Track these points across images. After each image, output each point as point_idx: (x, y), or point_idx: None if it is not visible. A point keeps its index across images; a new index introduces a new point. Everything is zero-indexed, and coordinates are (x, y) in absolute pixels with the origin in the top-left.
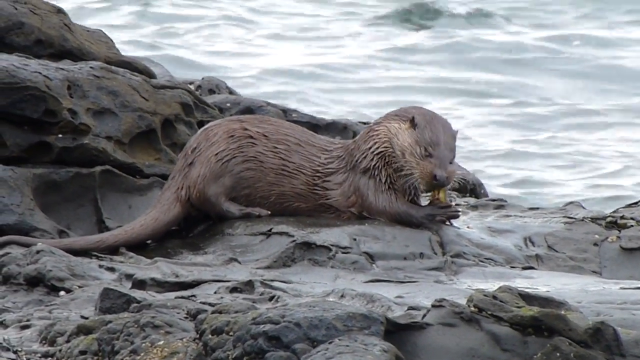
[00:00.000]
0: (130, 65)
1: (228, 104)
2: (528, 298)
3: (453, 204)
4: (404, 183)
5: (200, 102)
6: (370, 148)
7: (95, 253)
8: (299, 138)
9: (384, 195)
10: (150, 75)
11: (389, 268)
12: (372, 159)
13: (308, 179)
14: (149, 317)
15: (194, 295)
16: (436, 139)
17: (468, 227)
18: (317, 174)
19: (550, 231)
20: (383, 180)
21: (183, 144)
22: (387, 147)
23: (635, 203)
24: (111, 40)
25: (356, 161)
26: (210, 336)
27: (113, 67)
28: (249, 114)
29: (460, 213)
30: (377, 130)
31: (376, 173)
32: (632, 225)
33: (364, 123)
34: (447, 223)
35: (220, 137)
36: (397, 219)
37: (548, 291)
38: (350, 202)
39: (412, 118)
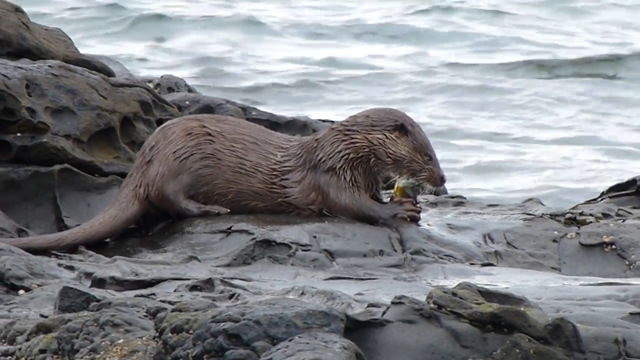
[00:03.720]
0: (89, 63)
1: (187, 102)
2: (487, 294)
3: (416, 202)
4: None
5: (159, 100)
6: (340, 152)
7: (54, 252)
8: (255, 137)
9: (346, 192)
10: (109, 73)
11: (348, 265)
12: (340, 161)
13: (265, 178)
14: (109, 316)
15: (153, 294)
16: (428, 141)
17: (428, 224)
18: (275, 172)
19: (509, 228)
20: (347, 179)
21: (142, 142)
22: (363, 156)
23: (594, 199)
24: (69, 39)
25: (319, 160)
26: (170, 334)
27: (71, 66)
28: (208, 112)
29: (421, 211)
30: (353, 138)
31: (340, 173)
32: (591, 222)
33: (323, 121)
34: (409, 221)
35: (178, 135)
36: (359, 216)
37: (507, 288)
38: (310, 199)
39: (402, 125)
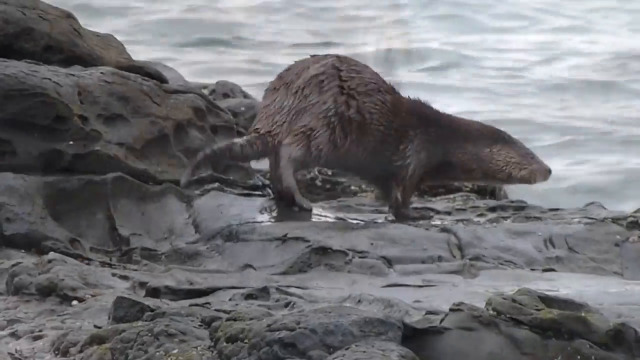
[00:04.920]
0: (142, 70)
1: (242, 108)
2: (547, 300)
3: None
4: None
5: (213, 107)
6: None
7: (110, 262)
8: None
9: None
10: (162, 80)
11: (407, 272)
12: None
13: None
14: (163, 326)
15: (208, 303)
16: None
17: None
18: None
19: (570, 232)
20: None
21: (196, 150)
22: None
23: None
24: (122, 45)
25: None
26: (225, 344)
27: (124, 72)
28: None
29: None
30: None
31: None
32: None
33: None
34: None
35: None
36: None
37: (568, 293)
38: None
39: (503, 137)
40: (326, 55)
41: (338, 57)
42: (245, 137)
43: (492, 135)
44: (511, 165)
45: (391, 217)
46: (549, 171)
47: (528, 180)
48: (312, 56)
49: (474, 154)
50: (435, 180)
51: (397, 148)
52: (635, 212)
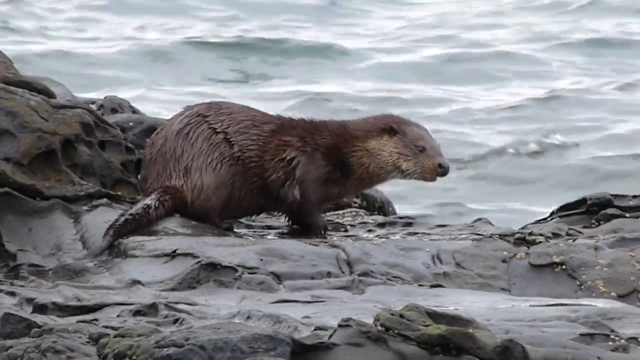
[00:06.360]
0: (29, 85)
1: (131, 123)
2: (435, 316)
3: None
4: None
5: (101, 122)
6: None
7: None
8: None
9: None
10: (50, 95)
11: (296, 288)
12: None
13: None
14: (50, 342)
15: (96, 319)
16: (420, 134)
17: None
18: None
19: (458, 248)
20: None
21: (84, 165)
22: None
23: (544, 219)
24: (9, 60)
25: None
26: None
27: (11, 87)
28: (152, 133)
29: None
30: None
31: None
32: (540, 242)
33: None
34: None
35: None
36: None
37: (456, 309)
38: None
39: (390, 127)
40: (195, 105)
41: (209, 104)
42: (155, 196)
43: (381, 127)
44: (394, 156)
45: (289, 229)
46: (440, 166)
47: (419, 174)
48: (185, 108)
49: (364, 150)
50: (346, 189)
51: (282, 160)
52: (522, 228)
